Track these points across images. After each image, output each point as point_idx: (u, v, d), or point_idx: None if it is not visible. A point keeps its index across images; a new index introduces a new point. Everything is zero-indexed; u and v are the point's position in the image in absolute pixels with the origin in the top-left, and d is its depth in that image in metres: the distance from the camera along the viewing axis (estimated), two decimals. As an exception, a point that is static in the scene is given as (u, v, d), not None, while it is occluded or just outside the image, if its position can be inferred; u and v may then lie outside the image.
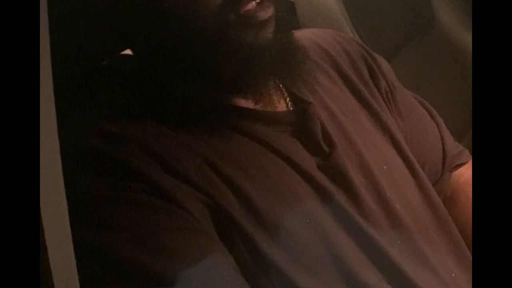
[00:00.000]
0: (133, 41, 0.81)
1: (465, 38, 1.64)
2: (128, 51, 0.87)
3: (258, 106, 0.80)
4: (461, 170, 1.00)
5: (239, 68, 0.75)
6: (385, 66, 0.97)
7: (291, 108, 0.84)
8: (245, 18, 0.73)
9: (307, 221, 0.76)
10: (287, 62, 0.78)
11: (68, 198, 0.46)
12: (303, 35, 0.90)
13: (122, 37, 0.82)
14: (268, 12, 0.75)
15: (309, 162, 0.79)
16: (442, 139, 0.99)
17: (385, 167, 0.85)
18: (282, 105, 0.84)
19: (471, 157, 1.01)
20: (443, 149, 0.98)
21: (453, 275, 0.83)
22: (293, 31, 0.82)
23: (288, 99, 0.84)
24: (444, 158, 0.98)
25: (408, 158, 0.89)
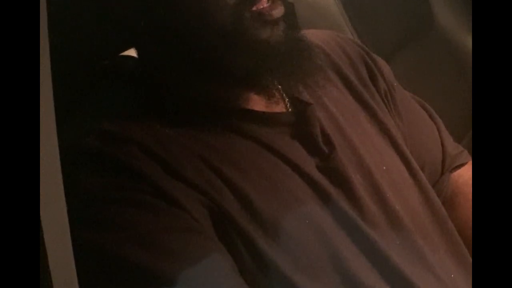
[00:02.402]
0: (139, 38, 0.80)
1: (465, 38, 1.63)
2: (126, 52, 0.87)
3: (257, 108, 0.80)
4: (461, 171, 1.00)
5: (253, 64, 0.75)
6: (384, 67, 0.97)
7: (290, 110, 0.84)
8: (260, 15, 0.75)
9: (307, 222, 0.76)
10: (299, 58, 0.79)
11: (68, 198, 0.46)
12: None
13: (128, 35, 0.82)
14: (280, 11, 0.76)
15: (308, 164, 0.79)
16: (442, 140, 0.99)
17: (384, 168, 0.85)
18: (281, 106, 0.84)
19: (470, 158, 1.01)
20: (443, 150, 0.98)
21: (452, 276, 0.83)
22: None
23: (287, 100, 0.84)
24: (443, 159, 0.98)
25: (407, 159, 0.89)
